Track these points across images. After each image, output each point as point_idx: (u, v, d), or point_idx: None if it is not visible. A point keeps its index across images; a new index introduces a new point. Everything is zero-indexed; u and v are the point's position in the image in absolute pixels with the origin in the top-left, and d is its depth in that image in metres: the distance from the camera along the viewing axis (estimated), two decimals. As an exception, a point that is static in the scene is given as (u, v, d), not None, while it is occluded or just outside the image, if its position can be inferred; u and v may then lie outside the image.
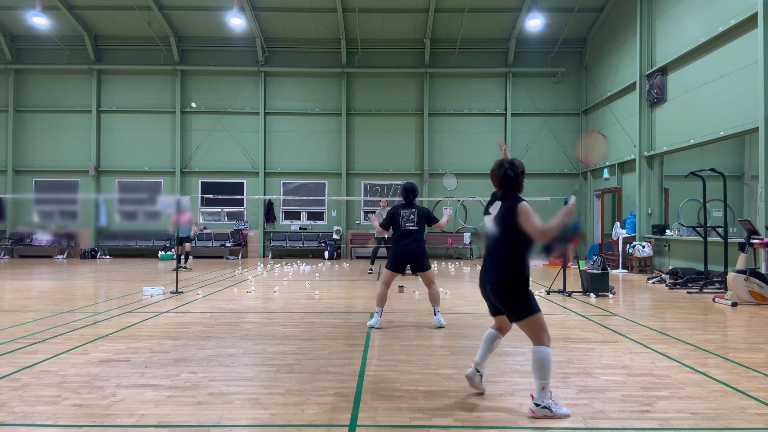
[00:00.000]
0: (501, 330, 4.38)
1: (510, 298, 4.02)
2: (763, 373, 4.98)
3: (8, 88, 20.71)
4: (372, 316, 7.21)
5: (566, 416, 3.84)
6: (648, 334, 6.75)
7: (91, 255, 20.05)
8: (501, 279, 4.02)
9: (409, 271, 14.38)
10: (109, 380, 4.65)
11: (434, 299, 7.20)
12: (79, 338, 6.29)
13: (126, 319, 7.51)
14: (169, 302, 9.12)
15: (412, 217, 7.00)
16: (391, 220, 7.10)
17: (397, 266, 7.09)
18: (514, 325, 4.16)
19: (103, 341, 6.15)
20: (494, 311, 4.33)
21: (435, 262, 18.66)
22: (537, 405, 3.84)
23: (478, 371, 4.31)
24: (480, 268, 4.31)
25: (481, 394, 4.35)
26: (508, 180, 4.17)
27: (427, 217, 7.10)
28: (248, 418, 3.84)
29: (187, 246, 15.33)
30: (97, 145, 20.79)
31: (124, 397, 4.22)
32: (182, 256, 15.06)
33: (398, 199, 20.73)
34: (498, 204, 4.19)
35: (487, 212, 4.30)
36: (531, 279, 6.49)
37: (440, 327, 7.06)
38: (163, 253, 19.10)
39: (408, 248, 7.00)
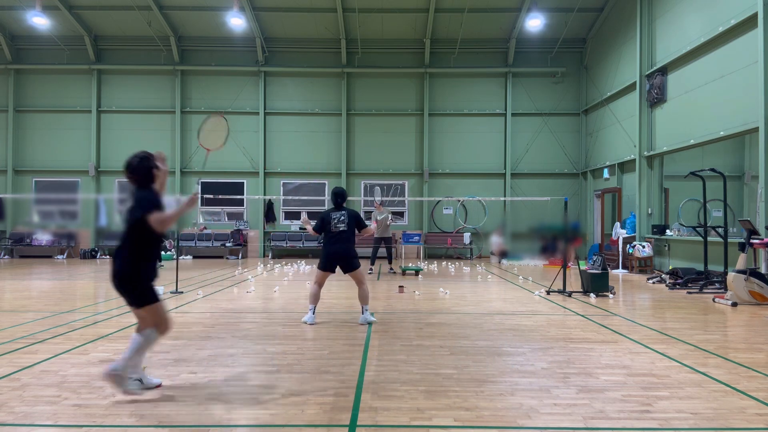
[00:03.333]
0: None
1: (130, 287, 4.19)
2: (763, 373, 4.98)
3: (8, 88, 20.71)
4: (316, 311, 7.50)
5: (135, 393, 4.08)
6: (648, 334, 6.75)
7: (91, 255, 20.05)
8: (123, 269, 4.15)
9: (410, 271, 14.46)
10: (109, 380, 4.64)
11: (363, 298, 7.38)
12: (79, 338, 6.29)
13: (126, 319, 7.51)
14: (169, 302, 9.12)
15: (342, 218, 7.30)
16: (322, 224, 7.38)
17: (327, 266, 7.35)
18: None
19: (103, 341, 6.15)
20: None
21: (435, 261, 18.67)
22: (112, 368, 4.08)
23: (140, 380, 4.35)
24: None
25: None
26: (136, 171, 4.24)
27: (357, 220, 7.41)
28: (248, 418, 3.84)
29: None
30: (97, 145, 20.79)
31: (124, 397, 4.22)
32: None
33: (398, 199, 20.78)
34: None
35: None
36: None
37: (368, 323, 7.26)
38: (163, 253, 19.10)
39: (337, 248, 7.28)
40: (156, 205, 4.09)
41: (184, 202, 4.23)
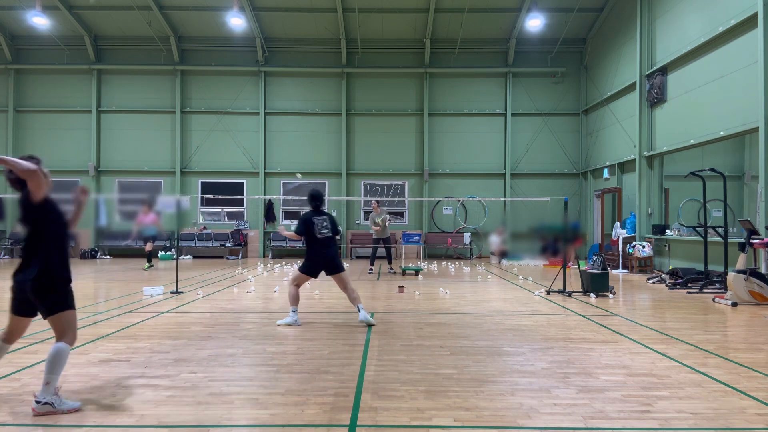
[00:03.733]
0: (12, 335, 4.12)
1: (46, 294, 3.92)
2: (763, 373, 4.98)
3: (8, 88, 20.71)
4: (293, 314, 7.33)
5: (74, 410, 3.82)
6: (648, 334, 6.75)
7: (91, 255, 20.05)
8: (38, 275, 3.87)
9: (410, 271, 14.46)
10: (109, 380, 4.65)
11: (354, 299, 7.35)
12: (79, 338, 6.25)
13: (126, 319, 7.51)
14: (169, 302, 9.12)
15: (325, 224, 7.28)
16: (306, 227, 7.26)
17: (312, 271, 7.29)
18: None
19: (103, 341, 6.15)
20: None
21: (435, 261, 18.67)
22: (38, 402, 3.77)
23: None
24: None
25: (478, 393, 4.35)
26: None
27: (334, 224, 7.45)
28: (248, 418, 3.84)
29: (148, 245, 15.41)
30: (97, 145, 20.79)
31: (124, 397, 4.22)
32: (149, 256, 15.33)
33: (398, 199, 20.78)
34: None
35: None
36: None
37: (369, 324, 7.14)
38: (163, 253, 19.10)
39: (324, 253, 7.26)
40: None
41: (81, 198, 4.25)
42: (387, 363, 5.28)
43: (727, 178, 11.44)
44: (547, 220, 12.59)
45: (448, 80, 20.92)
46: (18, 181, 3.98)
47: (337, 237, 7.53)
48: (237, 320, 7.56)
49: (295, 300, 7.29)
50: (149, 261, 15.38)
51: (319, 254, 7.24)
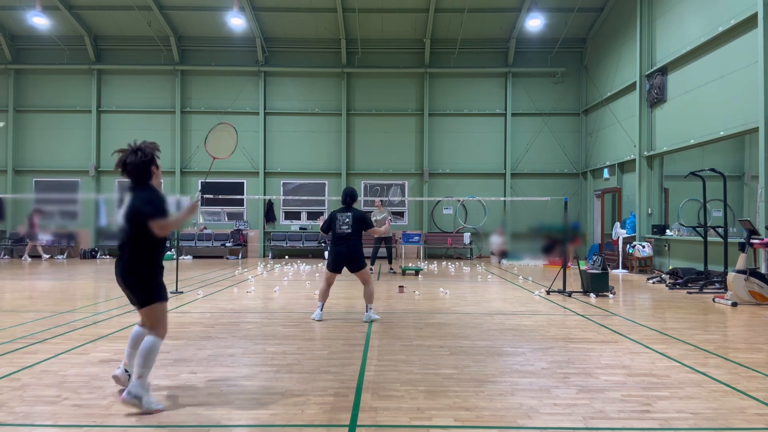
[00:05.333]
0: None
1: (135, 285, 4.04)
2: (763, 373, 4.98)
3: (8, 88, 20.71)
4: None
5: (157, 411, 3.86)
6: (648, 334, 6.75)
7: (91, 255, 20.04)
8: (128, 266, 4.01)
9: (410, 271, 14.46)
10: (109, 380, 4.64)
11: (368, 297, 7.55)
12: (79, 338, 6.29)
13: (126, 319, 7.51)
14: (169, 302, 9.11)
15: (347, 220, 7.44)
16: (330, 224, 7.57)
17: (333, 266, 7.54)
18: None
19: (103, 341, 6.15)
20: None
21: (435, 261, 18.67)
22: (129, 393, 3.84)
23: (127, 371, 4.24)
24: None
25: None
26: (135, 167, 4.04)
27: (362, 221, 7.51)
28: (248, 418, 3.84)
29: None
30: (97, 145, 20.79)
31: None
32: None
33: (398, 199, 20.78)
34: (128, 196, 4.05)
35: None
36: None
37: (370, 321, 7.43)
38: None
39: (342, 250, 7.44)
40: (161, 209, 3.95)
41: (186, 208, 4.15)
42: (387, 363, 5.28)
43: (727, 178, 11.44)
44: (547, 220, 12.60)
45: (448, 80, 20.91)
46: (137, 177, 4.03)
47: (372, 233, 7.71)
48: (237, 320, 7.56)
49: (321, 296, 7.62)
50: None
51: (337, 250, 7.47)
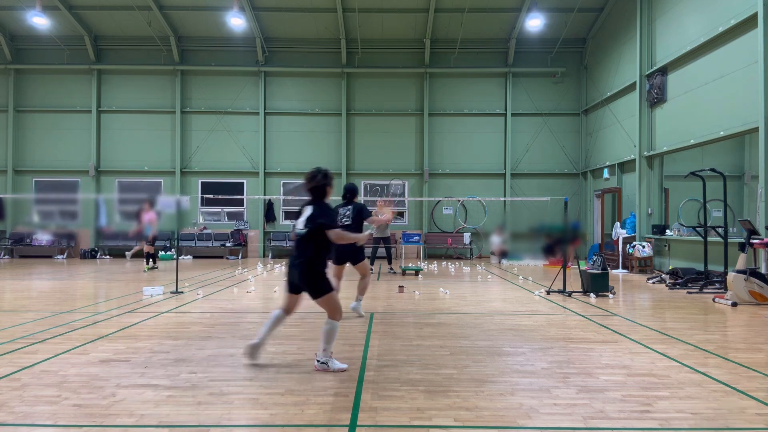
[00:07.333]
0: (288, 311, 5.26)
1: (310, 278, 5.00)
2: (763, 373, 4.98)
3: (8, 88, 20.71)
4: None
5: (342, 369, 4.93)
6: (648, 334, 6.75)
7: (91, 255, 20.05)
8: (305, 263, 4.96)
9: (410, 271, 14.46)
10: (109, 380, 4.65)
11: (361, 289, 7.95)
12: (79, 338, 6.29)
13: (126, 319, 7.51)
14: (169, 302, 9.13)
15: (348, 213, 7.65)
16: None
17: (337, 259, 7.71)
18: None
19: (103, 341, 6.16)
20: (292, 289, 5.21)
21: (435, 262, 18.67)
22: (318, 361, 4.97)
23: (258, 343, 5.20)
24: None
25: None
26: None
27: (360, 211, 7.72)
28: (248, 418, 3.84)
29: (147, 247, 14.97)
30: (97, 145, 20.79)
31: (124, 397, 4.22)
32: (148, 257, 14.92)
33: (398, 198, 20.78)
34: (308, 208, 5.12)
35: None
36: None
37: (359, 316, 7.78)
38: (163, 253, 19.10)
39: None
40: (334, 220, 5.16)
41: (362, 235, 5.50)
42: (387, 363, 5.28)
43: (727, 178, 11.44)
44: (547, 220, 12.60)
45: (448, 80, 20.92)
46: (316, 195, 5.15)
47: (371, 222, 7.88)
48: (237, 320, 7.56)
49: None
50: (150, 262, 15.15)
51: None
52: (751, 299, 9.08)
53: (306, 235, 4.97)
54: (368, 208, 8.23)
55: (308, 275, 4.93)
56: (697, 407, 4.07)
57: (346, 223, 7.56)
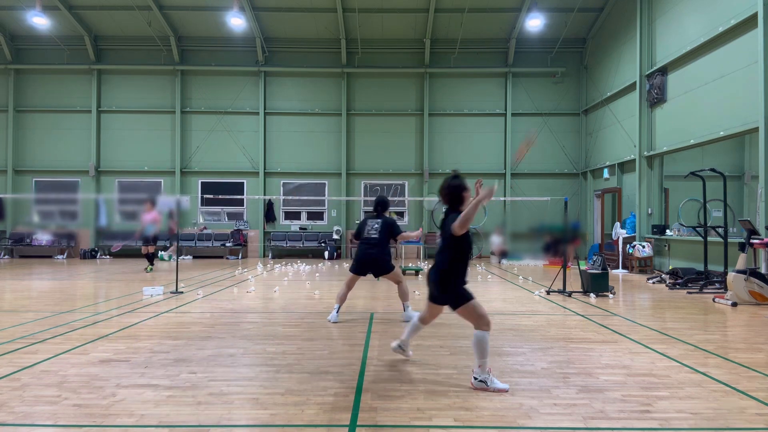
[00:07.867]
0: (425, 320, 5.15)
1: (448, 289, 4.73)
2: (763, 373, 4.98)
3: (8, 88, 20.71)
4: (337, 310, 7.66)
5: (502, 390, 4.39)
6: (648, 334, 6.75)
7: (91, 255, 20.05)
8: (440, 273, 4.70)
9: (410, 271, 14.46)
10: (109, 380, 4.65)
11: (403, 295, 7.73)
12: (79, 338, 6.29)
13: (126, 319, 7.51)
14: (169, 302, 9.13)
15: (376, 226, 7.57)
16: (360, 229, 7.72)
17: (358, 270, 7.57)
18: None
19: (103, 341, 6.15)
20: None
21: (435, 262, 18.63)
22: (476, 379, 4.50)
23: (400, 346, 5.32)
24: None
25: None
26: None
27: (391, 227, 7.61)
28: (248, 418, 3.84)
29: (146, 247, 14.97)
30: (97, 145, 20.79)
31: (124, 397, 4.22)
32: (149, 257, 14.91)
33: (397, 198, 20.78)
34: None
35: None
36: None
37: (408, 321, 7.40)
38: (163, 253, 19.10)
39: (367, 253, 7.53)
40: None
41: (480, 195, 4.58)
42: (387, 363, 5.28)
43: (727, 178, 11.44)
44: (547, 220, 12.61)
45: (448, 80, 20.92)
46: (452, 203, 4.78)
47: (401, 239, 7.72)
48: (237, 320, 7.56)
49: (339, 299, 7.63)
50: (151, 262, 15.16)
51: (363, 253, 7.55)
52: (751, 299, 9.07)
53: (443, 246, 4.73)
54: (364, 210, 8.18)
55: (446, 287, 4.69)
56: (697, 407, 4.07)
57: (373, 235, 7.50)
